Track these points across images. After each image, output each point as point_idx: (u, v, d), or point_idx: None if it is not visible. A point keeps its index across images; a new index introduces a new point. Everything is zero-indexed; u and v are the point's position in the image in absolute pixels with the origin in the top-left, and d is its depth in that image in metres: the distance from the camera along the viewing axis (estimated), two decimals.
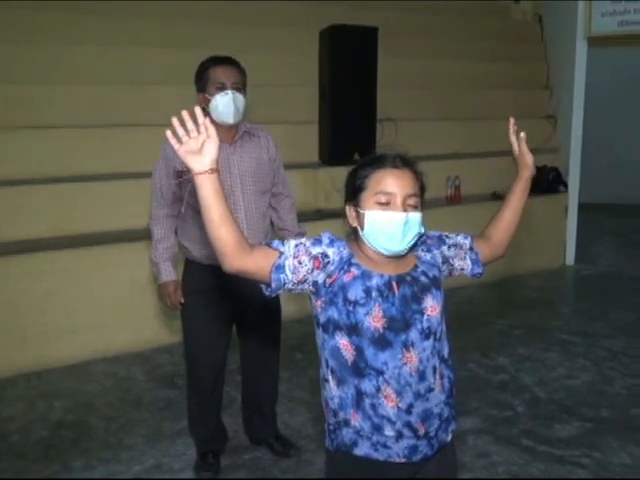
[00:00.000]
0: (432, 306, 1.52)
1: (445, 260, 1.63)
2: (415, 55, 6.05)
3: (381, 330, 1.46)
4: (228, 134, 2.48)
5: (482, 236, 1.73)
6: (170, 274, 2.55)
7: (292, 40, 5.41)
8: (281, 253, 1.46)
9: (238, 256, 1.40)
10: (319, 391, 1.63)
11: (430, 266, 1.58)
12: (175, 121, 1.35)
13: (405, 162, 1.52)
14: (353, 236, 1.56)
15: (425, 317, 1.51)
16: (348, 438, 1.53)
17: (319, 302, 1.51)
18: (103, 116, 4.50)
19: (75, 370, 3.70)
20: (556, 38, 6.58)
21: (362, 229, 1.50)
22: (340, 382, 1.52)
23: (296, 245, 1.48)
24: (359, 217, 1.51)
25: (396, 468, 1.53)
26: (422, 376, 1.50)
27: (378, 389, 1.48)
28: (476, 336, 4.30)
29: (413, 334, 1.49)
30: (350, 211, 1.55)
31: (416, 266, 1.56)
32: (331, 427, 1.58)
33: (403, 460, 1.52)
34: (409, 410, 1.49)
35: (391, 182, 1.47)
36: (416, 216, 1.49)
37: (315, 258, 1.47)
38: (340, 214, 1.61)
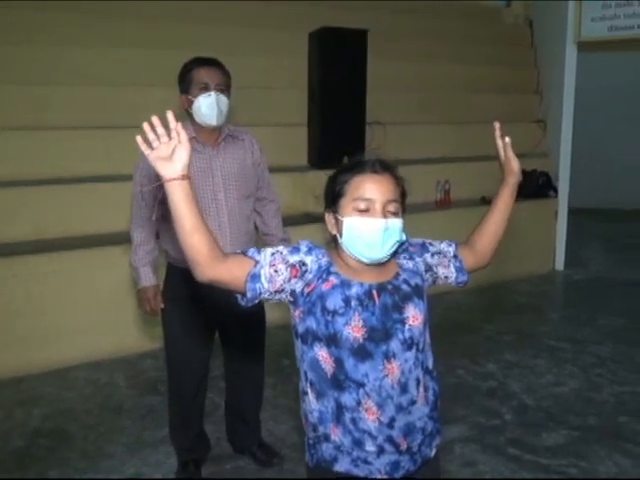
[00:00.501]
0: (414, 316, 1.48)
1: (428, 268, 1.58)
2: (405, 58, 6.02)
3: (361, 340, 1.42)
4: (211, 136, 2.43)
5: (467, 244, 1.68)
6: (150, 279, 2.49)
7: (282, 42, 5.36)
8: (257, 262, 1.41)
9: (211, 265, 1.35)
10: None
11: (412, 274, 1.53)
12: (146, 126, 1.30)
13: (385, 167, 1.47)
14: (333, 244, 1.51)
15: (407, 327, 1.46)
16: (328, 453, 1.48)
17: (297, 312, 1.47)
18: (87, 118, 4.43)
19: (56, 376, 3.63)
20: (546, 42, 6.58)
21: (341, 236, 1.45)
22: (319, 395, 1.47)
23: (272, 253, 1.43)
24: (338, 224, 1.46)
25: None
26: (404, 388, 1.46)
27: (358, 402, 1.43)
28: (464, 342, 4.26)
29: (394, 344, 1.44)
30: (329, 218, 1.50)
31: (398, 274, 1.51)
32: (311, 441, 1.53)
33: (384, 476, 1.47)
34: (391, 424, 1.45)
35: (370, 188, 1.43)
36: (396, 222, 1.44)
37: (292, 266, 1.43)
38: None
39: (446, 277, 1.62)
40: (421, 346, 1.50)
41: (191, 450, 2.68)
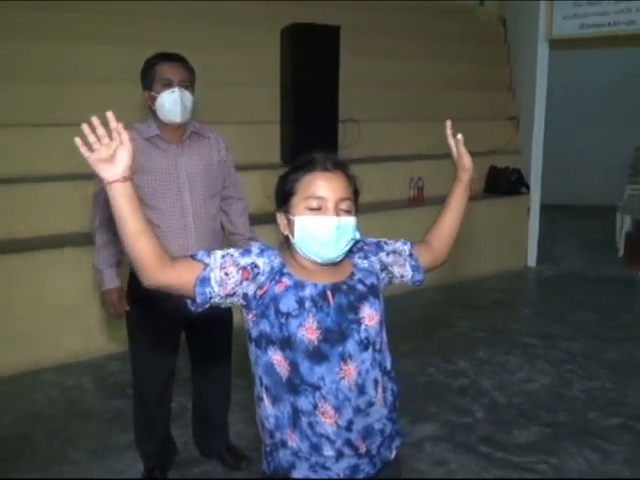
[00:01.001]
0: (370, 315, 1.45)
1: (384, 267, 1.56)
2: (379, 55, 6.01)
3: (316, 342, 1.38)
4: (176, 134, 2.38)
5: (423, 242, 1.67)
6: (114, 281, 2.43)
7: (254, 39, 5.31)
8: (206, 265, 1.37)
9: (158, 270, 1.30)
10: None
11: (367, 273, 1.51)
12: (85, 127, 1.25)
13: (337, 165, 1.44)
14: (286, 244, 1.48)
15: (363, 327, 1.43)
16: (285, 460, 1.45)
17: (250, 315, 1.43)
18: (45, 115, 4.32)
19: (21, 380, 3.54)
20: (519, 40, 6.62)
21: (293, 236, 1.42)
22: (275, 400, 1.43)
23: (223, 256, 1.39)
24: (290, 224, 1.43)
25: None
26: (362, 390, 1.42)
27: (315, 406, 1.40)
28: (437, 339, 4.26)
29: (350, 345, 1.41)
30: (281, 218, 1.47)
31: (352, 274, 1.48)
32: (268, 449, 1.49)
33: (343, 479, 1.44)
34: (349, 427, 1.42)
35: (322, 186, 1.40)
36: (349, 221, 1.41)
37: (244, 269, 1.39)
38: None
39: (402, 276, 1.60)
40: (378, 346, 1.47)
41: (157, 455, 2.62)
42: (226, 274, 1.37)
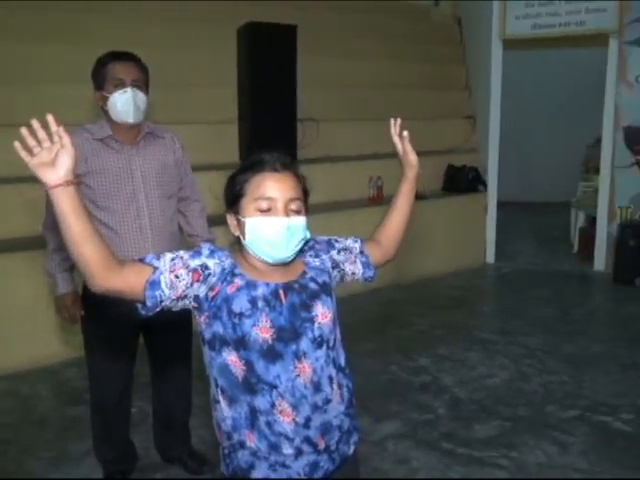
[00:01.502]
0: (323, 313, 1.45)
1: (335, 265, 1.57)
2: (336, 55, 6.02)
3: (270, 341, 1.38)
4: (129, 135, 2.32)
5: (372, 239, 1.69)
6: (68, 286, 2.37)
7: (209, 38, 5.25)
8: (155, 268, 1.35)
9: (106, 275, 1.28)
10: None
11: (319, 272, 1.52)
12: (24, 131, 1.21)
13: (285, 165, 1.44)
14: (237, 246, 1.48)
15: (316, 325, 1.44)
16: (244, 461, 1.44)
17: (203, 317, 1.42)
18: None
19: None
20: (474, 40, 6.72)
21: (244, 238, 1.42)
22: (232, 401, 1.42)
23: (172, 259, 1.38)
24: (240, 225, 1.43)
25: None
26: (317, 387, 1.43)
27: (273, 405, 1.39)
28: (397, 337, 4.29)
29: (304, 343, 1.42)
30: (231, 219, 1.46)
31: (304, 272, 1.49)
32: (226, 451, 1.48)
33: (304, 478, 1.44)
34: (307, 424, 1.42)
35: (271, 186, 1.40)
36: (299, 221, 1.42)
37: (194, 271, 1.37)
38: None
39: (353, 273, 1.62)
40: (331, 343, 1.48)
41: (116, 462, 2.56)
42: (176, 277, 1.35)
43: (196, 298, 1.39)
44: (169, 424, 2.68)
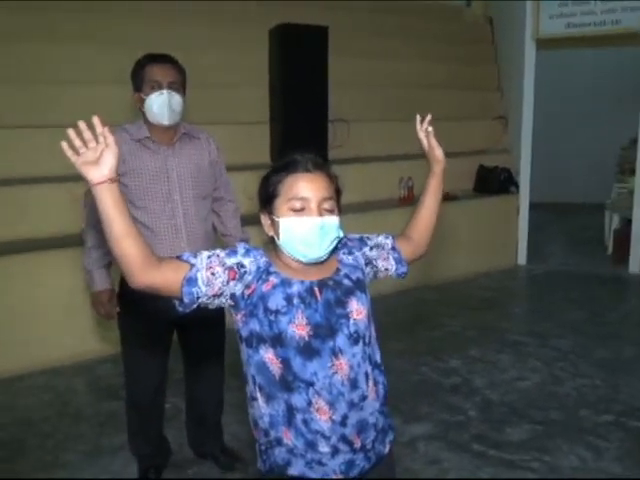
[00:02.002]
0: (357, 309, 1.46)
1: (368, 262, 1.59)
2: (367, 56, 6.02)
3: (306, 338, 1.40)
4: (166, 135, 2.37)
5: (403, 235, 1.70)
6: (104, 282, 2.42)
7: (242, 39, 5.31)
8: (192, 265, 1.38)
9: (145, 271, 1.31)
10: None
11: (353, 269, 1.53)
12: (71, 132, 1.26)
13: (318, 165, 1.46)
14: (271, 245, 1.50)
15: (351, 321, 1.45)
16: (281, 458, 1.45)
17: (239, 315, 1.44)
18: (37, 117, 4.30)
19: (11, 384, 3.51)
20: (506, 40, 6.65)
21: (278, 237, 1.44)
22: (269, 399, 1.44)
23: (209, 256, 1.40)
24: (274, 225, 1.45)
25: None
26: (354, 384, 1.44)
27: (309, 403, 1.41)
28: (428, 338, 4.27)
29: (340, 340, 1.43)
30: (265, 219, 1.49)
31: (338, 270, 1.50)
32: (262, 447, 1.50)
33: (340, 477, 1.45)
34: (343, 422, 1.43)
35: (304, 186, 1.42)
36: (333, 220, 1.44)
37: (230, 269, 1.40)
38: None
39: (386, 269, 1.63)
40: (367, 340, 1.49)
41: (151, 456, 2.61)
42: (213, 274, 1.38)
43: (232, 296, 1.41)
44: (202, 420, 2.72)
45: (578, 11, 5.71)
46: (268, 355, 1.41)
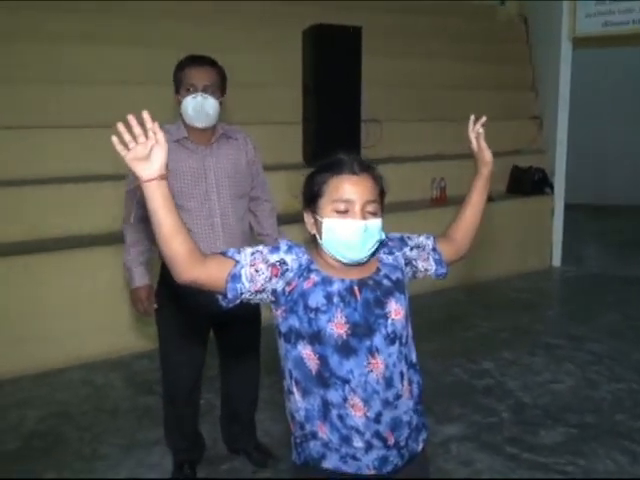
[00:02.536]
0: (396, 310, 1.47)
1: (408, 262, 1.59)
2: (400, 56, 6.01)
3: (344, 337, 1.41)
4: (203, 136, 2.40)
5: (445, 236, 1.70)
6: (143, 279, 2.47)
7: (275, 39, 5.34)
8: (237, 262, 1.40)
9: (191, 267, 1.34)
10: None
11: (393, 269, 1.53)
12: (121, 126, 1.28)
13: (363, 167, 1.46)
14: (313, 243, 1.51)
15: (389, 321, 1.46)
16: (316, 451, 1.48)
17: (279, 311, 1.46)
18: (82, 117, 4.40)
19: (51, 378, 3.60)
20: (541, 39, 6.57)
21: (320, 237, 1.45)
22: (305, 393, 1.46)
23: (252, 253, 1.42)
24: (317, 224, 1.46)
25: None
26: (389, 383, 1.45)
27: (345, 399, 1.43)
28: (461, 339, 4.25)
29: (378, 339, 1.44)
30: (308, 218, 1.50)
31: (378, 269, 1.51)
32: (298, 440, 1.52)
33: (373, 472, 1.47)
34: (377, 419, 1.44)
35: (349, 189, 1.42)
36: (376, 223, 1.44)
37: (273, 266, 1.42)
38: None
39: (426, 270, 1.63)
40: (404, 340, 1.50)
41: (186, 451, 2.66)
42: (256, 271, 1.40)
43: (273, 292, 1.43)
44: (236, 417, 2.76)
45: (616, 9, 5.61)
46: (306, 351, 1.43)
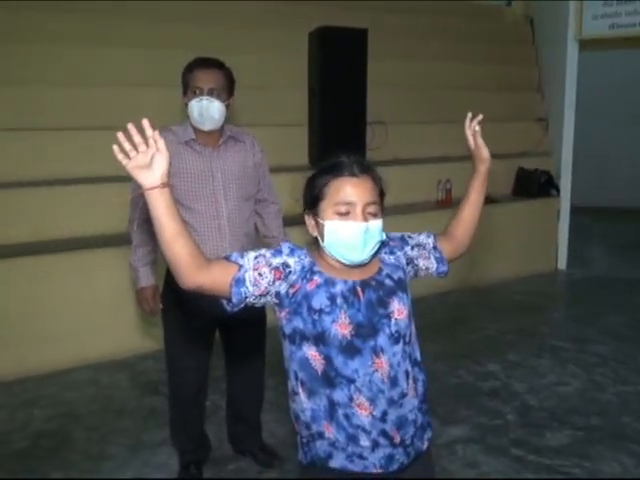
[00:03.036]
0: (399, 309, 1.49)
1: (409, 261, 1.60)
2: (406, 57, 6.01)
3: (349, 337, 1.43)
4: (211, 138, 2.41)
5: (445, 234, 1.71)
6: (149, 279, 2.48)
7: (281, 41, 5.36)
8: (240, 266, 1.41)
9: (194, 272, 1.35)
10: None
11: (394, 268, 1.55)
12: (121, 135, 1.29)
13: (363, 169, 1.47)
14: (314, 245, 1.52)
15: (393, 321, 1.47)
16: (322, 450, 1.49)
17: (283, 313, 1.47)
18: (85, 118, 4.42)
19: (57, 378, 3.62)
20: (547, 41, 6.56)
21: (322, 239, 1.46)
22: (311, 393, 1.47)
23: (256, 257, 1.44)
24: (319, 227, 1.47)
25: (373, 479, 1.49)
26: (394, 382, 1.47)
27: (350, 398, 1.44)
28: (466, 341, 4.25)
29: (382, 339, 1.45)
30: (309, 220, 1.51)
31: (380, 269, 1.53)
32: (304, 440, 1.54)
33: (380, 470, 1.48)
34: (383, 418, 1.46)
35: (350, 191, 1.43)
36: (377, 224, 1.45)
37: (276, 269, 1.43)
38: None
39: (427, 268, 1.64)
40: (408, 339, 1.51)
41: (192, 452, 2.67)
42: (260, 274, 1.41)
43: (277, 295, 1.45)
44: (241, 418, 2.77)
45: (623, 11, 5.59)
46: (311, 352, 1.45)
